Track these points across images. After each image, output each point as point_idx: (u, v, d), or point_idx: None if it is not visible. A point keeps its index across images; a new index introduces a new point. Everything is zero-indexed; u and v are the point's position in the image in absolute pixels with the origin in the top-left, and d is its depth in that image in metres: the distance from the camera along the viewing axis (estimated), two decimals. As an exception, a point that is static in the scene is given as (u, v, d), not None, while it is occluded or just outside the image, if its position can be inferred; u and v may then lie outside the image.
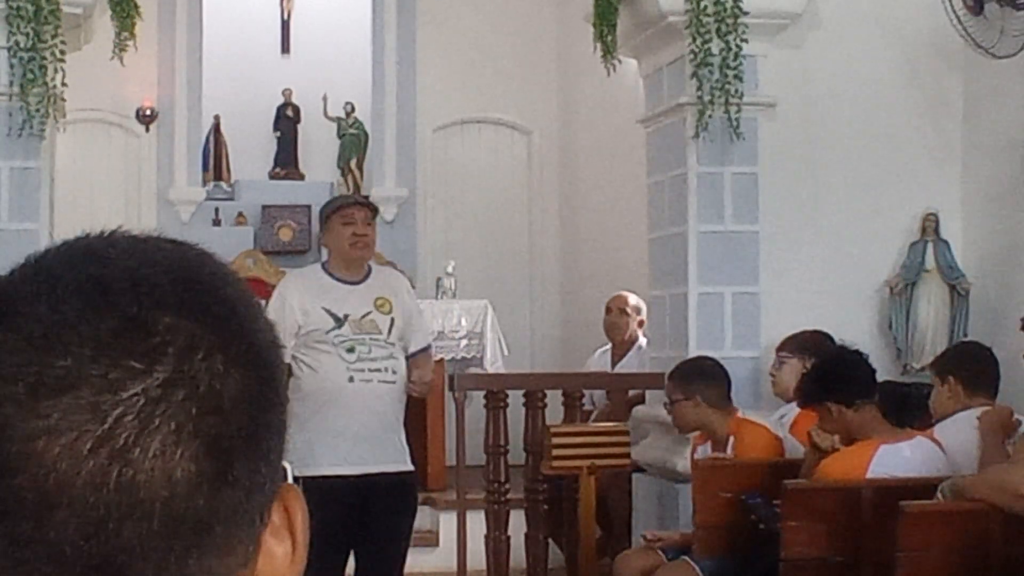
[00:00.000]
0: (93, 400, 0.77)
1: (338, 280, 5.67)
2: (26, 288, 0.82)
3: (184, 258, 0.86)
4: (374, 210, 5.92)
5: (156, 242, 0.87)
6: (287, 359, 5.46)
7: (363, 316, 5.59)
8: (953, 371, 5.50)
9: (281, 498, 0.87)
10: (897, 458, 4.95)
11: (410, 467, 5.67)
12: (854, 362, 5.20)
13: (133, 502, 0.78)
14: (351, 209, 5.72)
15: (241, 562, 0.83)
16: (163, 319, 0.80)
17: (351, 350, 5.56)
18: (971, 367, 5.50)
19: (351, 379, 5.52)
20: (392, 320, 5.71)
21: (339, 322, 5.56)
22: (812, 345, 6.04)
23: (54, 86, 6.49)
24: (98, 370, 0.78)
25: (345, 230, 5.63)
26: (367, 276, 5.75)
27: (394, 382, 5.62)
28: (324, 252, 6.21)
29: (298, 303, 5.57)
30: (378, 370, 5.60)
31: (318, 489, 5.31)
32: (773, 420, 5.96)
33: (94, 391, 0.77)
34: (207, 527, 0.80)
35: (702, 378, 5.86)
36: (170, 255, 0.85)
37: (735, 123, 6.62)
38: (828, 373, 5.23)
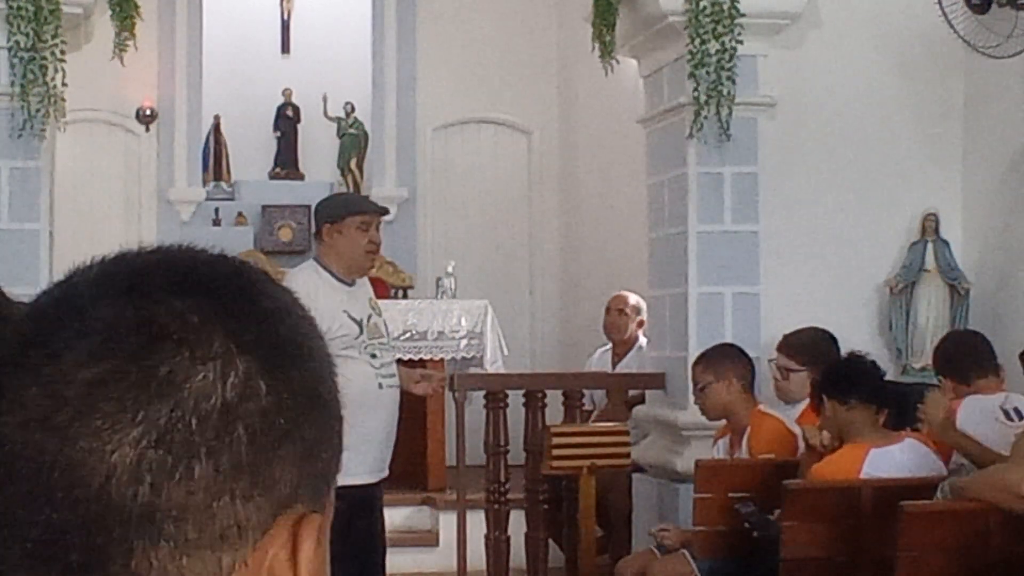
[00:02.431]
0: (45, 380, 0.80)
1: (341, 281, 5.45)
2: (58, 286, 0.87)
3: (194, 260, 0.87)
4: (386, 213, 5.83)
5: (189, 251, 0.88)
6: None
7: (368, 319, 5.41)
8: (943, 371, 5.57)
9: (296, 525, 0.84)
10: (888, 461, 4.96)
11: None
12: (857, 364, 5.21)
13: (71, 481, 0.79)
14: (371, 217, 5.50)
15: (211, 571, 0.81)
16: (141, 313, 0.82)
17: (374, 356, 5.35)
18: (954, 362, 5.57)
19: (380, 386, 5.33)
20: (385, 322, 5.62)
21: (361, 327, 5.34)
22: (812, 348, 6.03)
23: (54, 86, 6.49)
24: (54, 352, 0.81)
25: (360, 236, 5.41)
26: None
27: (398, 386, 5.51)
28: (314, 247, 5.98)
29: (326, 306, 5.19)
30: (392, 375, 5.46)
31: (357, 500, 5.24)
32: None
33: (47, 372, 0.80)
34: (149, 519, 0.79)
35: (732, 359, 5.86)
36: (183, 258, 0.87)
37: (725, 124, 6.62)
38: (830, 370, 5.26)
